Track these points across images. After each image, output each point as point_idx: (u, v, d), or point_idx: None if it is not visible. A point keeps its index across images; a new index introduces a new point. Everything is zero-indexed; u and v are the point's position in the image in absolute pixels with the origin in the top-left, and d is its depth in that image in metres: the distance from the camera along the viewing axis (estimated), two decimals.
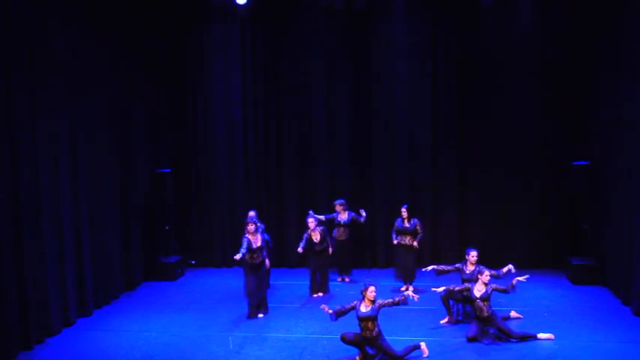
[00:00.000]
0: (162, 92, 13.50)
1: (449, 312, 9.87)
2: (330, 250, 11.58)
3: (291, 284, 12.27)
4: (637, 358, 8.57)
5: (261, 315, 10.39)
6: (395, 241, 11.64)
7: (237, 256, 10.03)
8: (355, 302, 8.55)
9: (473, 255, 10.08)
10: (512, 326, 9.37)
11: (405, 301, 8.55)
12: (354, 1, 13.11)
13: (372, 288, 8.43)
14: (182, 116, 13.88)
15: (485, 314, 9.16)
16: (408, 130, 13.32)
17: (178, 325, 10.15)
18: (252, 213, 11.58)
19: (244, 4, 13.18)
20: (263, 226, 11.37)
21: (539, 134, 12.98)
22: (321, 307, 8.81)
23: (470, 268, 10.01)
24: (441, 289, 9.63)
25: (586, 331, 9.49)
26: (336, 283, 12.32)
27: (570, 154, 12.54)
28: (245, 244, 10.13)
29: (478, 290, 9.23)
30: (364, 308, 8.43)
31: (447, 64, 13.17)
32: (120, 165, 11.79)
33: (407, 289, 11.64)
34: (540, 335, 9.16)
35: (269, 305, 10.59)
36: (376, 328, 8.44)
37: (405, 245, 11.55)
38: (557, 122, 12.87)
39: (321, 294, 11.50)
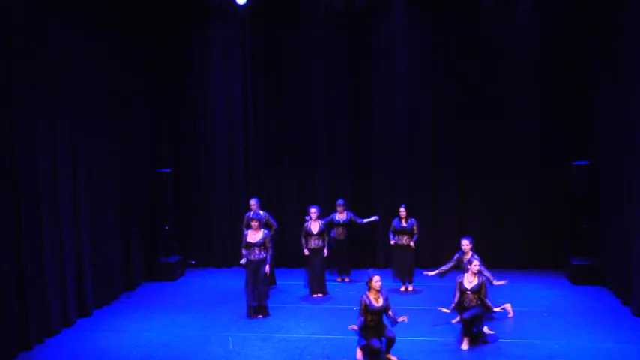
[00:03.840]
0: (162, 92, 13.51)
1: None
2: (326, 251, 11.56)
3: (291, 284, 12.27)
4: (637, 358, 8.57)
5: (260, 316, 10.38)
6: (392, 241, 11.65)
7: (242, 261, 10.44)
8: (363, 299, 8.42)
9: (465, 244, 10.11)
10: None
11: (395, 322, 8.49)
12: (354, 1, 13.12)
13: (376, 277, 8.39)
14: (182, 116, 13.88)
15: (474, 305, 9.01)
16: (408, 130, 13.33)
17: (178, 325, 10.15)
18: (253, 202, 11.77)
19: (244, 4, 13.19)
20: (267, 214, 11.63)
21: (539, 134, 12.98)
22: (350, 327, 8.51)
23: (467, 257, 10.01)
24: (455, 316, 9.38)
25: (586, 331, 9.49)
26: (336, 283, 12.33)
27: (570, 154, 12.54)
28: (243, 239, 10.41)
29: (469, 281, 9.08)
30: (375, 301, 8.35)
31: (447, 64, 13.16)
32: (120, 165, 11.79)
33: (406, 290, 11.66)
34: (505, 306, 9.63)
35: (269, 306, 10.57)
36: (382, 318, 8.42)
37: (403, 245, 11.57)
38: (557, 122, 12.87)
39: (320, 294, 11.50)
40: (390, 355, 8.46)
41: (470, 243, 10.14)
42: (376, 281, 8.38)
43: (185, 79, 13.79)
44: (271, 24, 13.53)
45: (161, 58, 13.41)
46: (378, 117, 13.42)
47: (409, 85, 13.28)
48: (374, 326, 8.41)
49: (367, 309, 8.36)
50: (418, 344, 9.03)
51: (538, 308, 10.60)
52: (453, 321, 9.80)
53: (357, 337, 8.61)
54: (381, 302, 8.37)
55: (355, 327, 8.44)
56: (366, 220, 12.24)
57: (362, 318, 8.40)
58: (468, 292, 9.04)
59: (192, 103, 13.85)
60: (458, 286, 9.13)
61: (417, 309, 10.21)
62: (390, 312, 8.47)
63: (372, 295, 8.40)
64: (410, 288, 11.69)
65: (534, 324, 9.81)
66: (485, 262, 11.09)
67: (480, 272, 9.19)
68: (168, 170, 13.19)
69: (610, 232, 11.36)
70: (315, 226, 11.49)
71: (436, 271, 10.40)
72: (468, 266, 9.21)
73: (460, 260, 10.17)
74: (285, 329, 9.83)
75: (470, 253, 9.96)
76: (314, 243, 11.49)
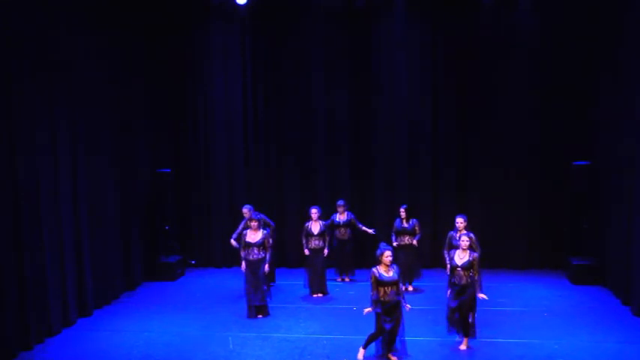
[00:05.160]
0: (162, 92, 13.49)
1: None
2: (326, 251, 11.55)
3: (291, 284, 12.27)
4: (637, 358, 8.57)
5: (260, 316, 10.38)
6: (395, 243, 11.62)
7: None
8: (372, 272, 8.34)
9: (459, 221, 9.98)
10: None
11: (403, 304, 8.49)
12: (354, 1, 13.12)
13: (387, 252, 8.36)
14: (182, 116, 13.88)
15: (464, 282, 8.84)
16: (408, 130, 13.33)
17: (178, 325, 10.15)
18: (245, 210, 11.48)
19: (244, 4, 13.19)
20: (263, 215, 11.54)
21: (539, 134, 12.98)
22: (365, 312, 8.48)
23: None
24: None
25: (586, 331, 9.49)
26: (337, 283, 12.33)
27: (570, 154, 12.54)
28: (241, 232, 10.56)
29: (460, 258, 8.92)
30: (386, 273, 8.31)
31: (447, 64, 13.16)
32: (120, 165, 11.78)
33: (406, 290, 11.63)
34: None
35: (269, 306, 10.56)
36: (397, 296, 8.33)
37: (406, 245, 11.56)
38: (557, 122, 12.87)
39: (320, 294, 11.50)
40: (390, 356, 8.45)
41: (464, 221, 9.98)
42: (387, 256, 8.33)
43: (185, 79, 13.79)
44: (271, 24, 13.53)
45: (161, 58, 13.40)
46: (379, 116, 13.42)
47: (409, 85, 13.28)
48: (387, 303, 8.27)
49: (377, 281, 8.30)
50: (418, 344, 9.01)
51: (538, 308, 10.60)
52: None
53: (357, 337, 8.60)
54: (391, 274, 8.33)
55: (370, 309, 8.35)
56: (364, 228, 12.20)
57: (375, 293, 8.29)
58: (459, 269, 8.86)
59: (192, 103, 13.85)
60: (449, 262, 9.05)
61: (417, 309, 10.18)
62: (399, 288, 8.41)
63: (382, 269, 8.34)
64: (410, 288, 11.67)
65: (534, 324, 9.81)
66: (486, 262, 11.10)
67: (471, 249, 9.02)
68: (168, 170, 13.19)
69: (610, 232, 11.36)
70: (315, 227, 11.50)
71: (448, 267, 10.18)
72: (459, 242, 9.07)
73: (452, 238, 10.04)
74: (285, 329, 9.83)
75: (464, 232, 9.86)
76: (314, 243, 11.50)
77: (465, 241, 8.97)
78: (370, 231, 12.17)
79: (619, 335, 9.32)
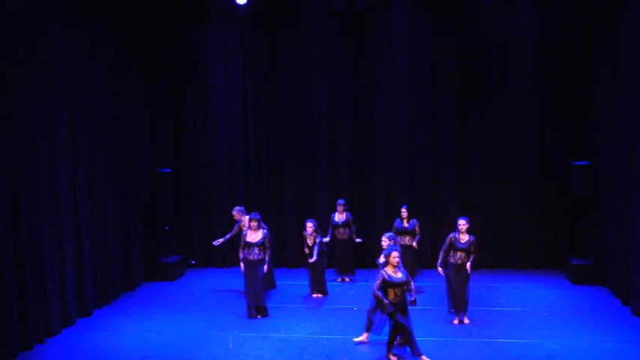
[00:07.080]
0: (162, 92, 13.50)
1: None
2: (313, 258, 11.21)
3: (291, 284, 12.28)
4: (637, 358, 8.56)
5: (259, 316, 10.36)
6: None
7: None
8: (381, 273, 8.31)
9: (461, 223, 9.85)
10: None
11: (413, 302, 8.49)
12: (354, 1, 13.13)
13: (395, 253, 8.36)
14: (182, 116, 13.89)
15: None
16: (408, 130, 13.33)
17: (178, 325, 10.15)
18: (235, 212, 11.40)
19: (244, 4, 13.19)
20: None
21: (539, 134, 12.99)
22: (387, 312, 8.42)
23: (464, 238, 9.82)
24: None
25: (586, 331, 9.49)
26: (336, 283, 12.33)
27: (570, 154, 12.55)
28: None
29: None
30: (396, 274, 8.29)
31: (447, 64, 13.17)
32: (120, 165, 11.79)
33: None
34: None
35: (269, 306, 10.56)
36: (405, 295, 8.32)
37: (405, 245, 11.54)
38: (557, 122, 12.88)
39: (320, 294, 11.50)
40: (391, 356, 8.46)
41: (467, 223, 9.86)
42: (394, 257, 8.32)
43: (185, 79, 13.78)
44: (271, 24, 13.53)
45: (161, 58, 13.40)
46: (379, 116, 13.43)
47: (409, 84, 13.29)
48: (397, 303, 8.26)
49: (386, 282, 8.26)
50: (418, 344, 9.00)
51: (538, 308, 10.60)
52: (455, 321, 9.81)
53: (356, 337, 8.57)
54: (400, 275, 8.31)
55: (386, 310, 8.26)
56: (356, 238, 12.24)
57: (383, 302, 8.22)
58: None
59: (192, 104, 13.85)
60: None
61: (416, 309, 10.15)
62: (411, 286, 8.40)
63: (390, 270, 8.33)
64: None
65: (534, 324, 9.81)
66: (486, 261, 11.12)
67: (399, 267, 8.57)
68: (168, 170, 13.19)
69: (610, 232, 11.36)
70: (309, 240, 11.42)
71: (440, 268, 10.06)
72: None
73: (455, 239, 9.90)
74: (285, 329, 9.83)
75: (466, 235, 9.83)
76: (308, 251, 11.45)
77: (395, 257, 8.37)
78: (358, 240, 12.24)
79: (619, 335, 9.32)
